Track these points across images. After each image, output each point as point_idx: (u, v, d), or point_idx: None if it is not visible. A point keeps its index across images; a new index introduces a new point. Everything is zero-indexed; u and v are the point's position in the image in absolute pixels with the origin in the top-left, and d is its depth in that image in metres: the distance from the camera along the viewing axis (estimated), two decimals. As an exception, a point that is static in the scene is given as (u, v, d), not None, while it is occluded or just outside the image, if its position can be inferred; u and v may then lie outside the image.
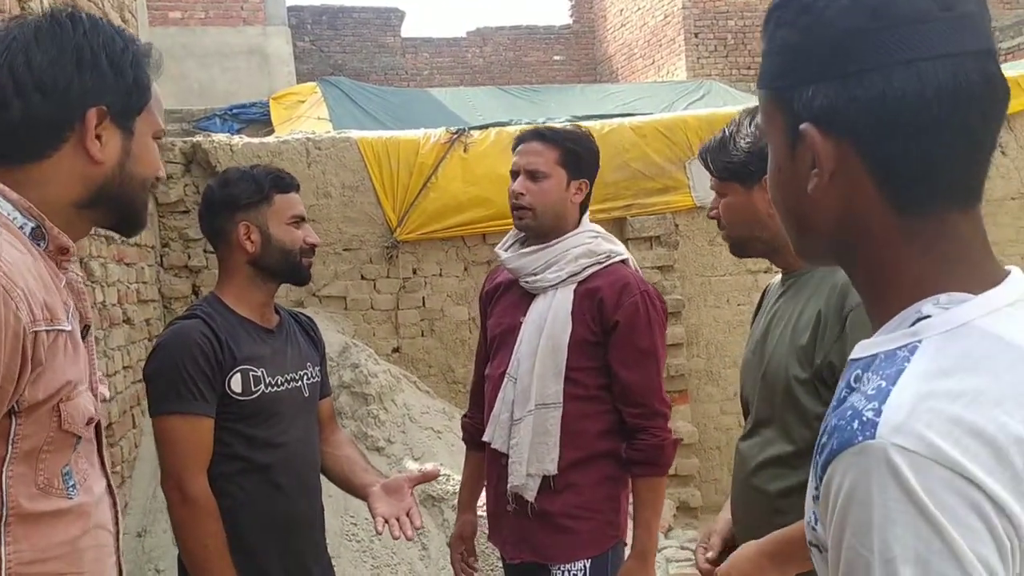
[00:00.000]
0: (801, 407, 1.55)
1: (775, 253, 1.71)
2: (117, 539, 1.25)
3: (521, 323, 2.21)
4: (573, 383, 2.13)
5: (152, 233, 4.76)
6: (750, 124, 1.63)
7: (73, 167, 1.17)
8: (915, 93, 0.69)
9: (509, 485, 2.16)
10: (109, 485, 1.26)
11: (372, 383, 4.46)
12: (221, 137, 5.22)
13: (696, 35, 11.32)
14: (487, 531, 2.37)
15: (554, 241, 2.19)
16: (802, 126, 0.73)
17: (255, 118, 8.21)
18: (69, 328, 1.12)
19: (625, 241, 5.38)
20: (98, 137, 1.18)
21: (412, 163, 5.19)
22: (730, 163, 1.67)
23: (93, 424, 1.17)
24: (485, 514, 2.37)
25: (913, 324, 0.70)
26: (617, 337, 2.12)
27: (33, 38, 1.16)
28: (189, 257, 4.95)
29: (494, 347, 2.31)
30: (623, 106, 8.29)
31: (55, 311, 1.09)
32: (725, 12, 11.34)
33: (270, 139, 5.42)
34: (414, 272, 5.29)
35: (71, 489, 1.14)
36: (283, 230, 2.03)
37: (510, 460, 2.16)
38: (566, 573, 2.15)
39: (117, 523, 1.26)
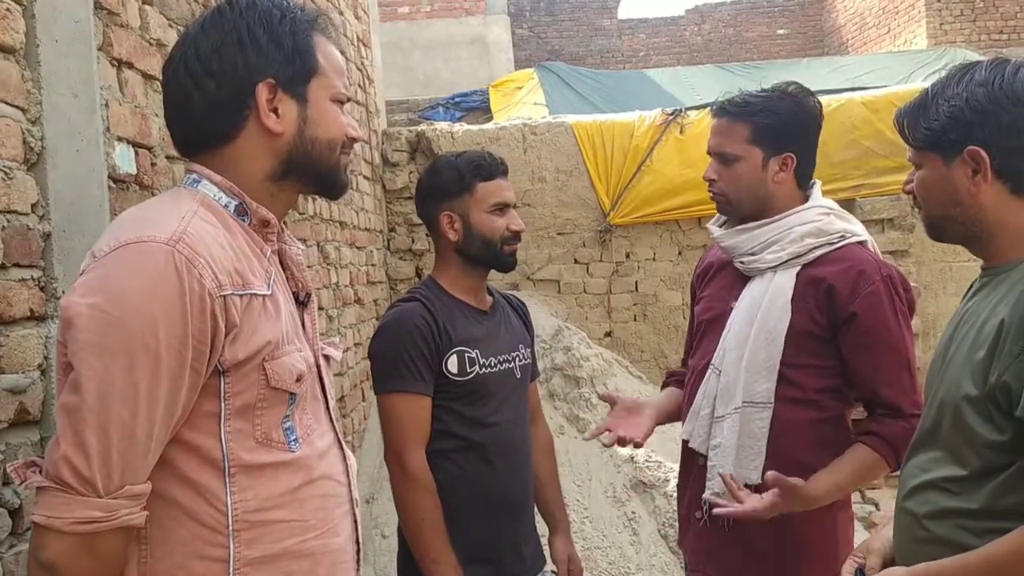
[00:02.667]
0: (969, 430, 1.31)
1: (974, 240, 1.43)
2: (350, 489, 1.32)
3: (732, 309, 1.96)
4: (787, 382, 1.87)
5: (380, 218, 5.05)
6: (958, 84, 1.37)
7: (258, 143, 1.23)
8: None
9: (707, 492, 1.92)
10: (338, 440, 1.34)
11: (584, 366, 4.49)
12: (443, 125, 5.44)
13: (939, -1, 10.36)
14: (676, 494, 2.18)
15: (776, 216, 1.93)
16: None
17: (475, 106, 8.50)
18: (267, 292, 1.19)
19: (853, 224, 5.05)
20: (275, 110, 1.22)
21: (626, 146, 5.15)
22: (929, 130, 1.40)
23: (304, 381, 1.23)
24: (677, 510, 2.19)
25: None
26: (855, 333, 1.83)
27: (200, 29, 1.24)
28: (413, 241, 5.21)
29: (700, 334, 2.08)
30: (853, 80, 7.76)
31: (246, 277, 1.16)
32: (974, -29, 10.29)
33: (488, 126, 5.58)
34: (627, 256, 5.26)
35: (293, 443, 1.22)
36: (484, 219, 2.05)
37: (710, 463, 1.93)
38: None
39: (348, 475, 1.33)
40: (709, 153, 2.01)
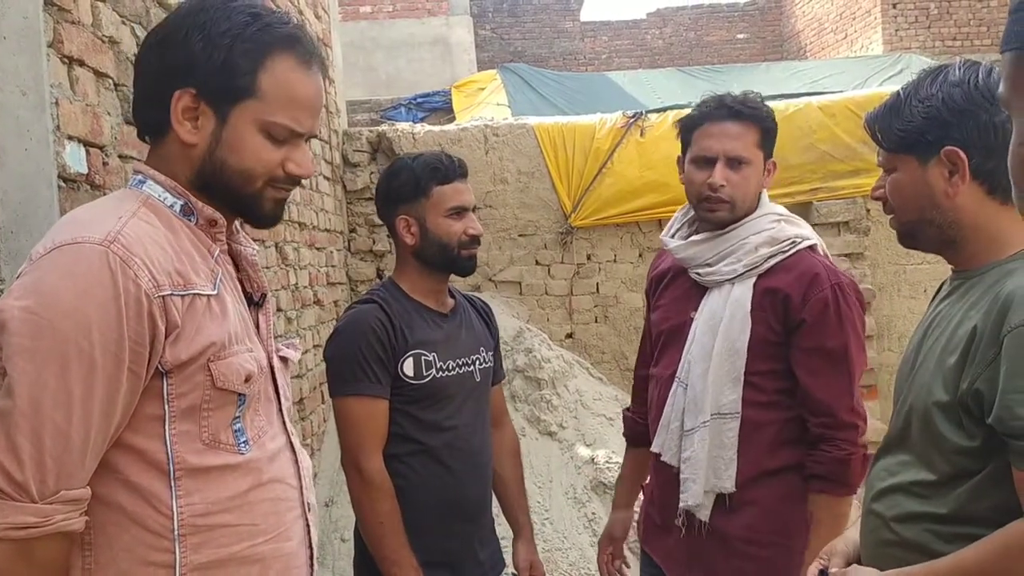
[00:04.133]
0: (939, 436, 1.30)
1: (949, 245, 1.40)
2: (302, 493, 1.31)
3: (692, 319, 1.95)
4: (752, 388, 1.88)
5: (340, 219, 5.01)
6: (932, 85, 1.36)
7: (178, 147, 1.21)
8: None
9: (682, 503, 1.93)
10: (290, 442, 1.32)
11: (545, 368, 4.50)
12: (404, 126, 5.42)
13: (895, 5, 10.55)
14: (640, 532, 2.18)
15: (726, 228, 1.92)
16: None
17: (438, 106, 8.48)
18: (212, 292, 1.17)
19: (811, 227, 5.12)
20: (195, 120, 1.19)
21: (588, 148, 5.17)
22: (903, 131, 1.37)
23: (254, 382, 1.21)
24: (639, 515, 2.20)
25: None
26: (802, 337, 1.85)
27: (169, 18, 1.23)
28: (374, 242, 5.18)
29: (661, 343, 2.07)
30: (811, 84, 7.89)
31: (188, 277, 1.14)
32: (929, -21, 10.50)
33: (450, 127, 5.57)
34: (588, 258, 5.28)
35: (243, 445, 1.20)
36: (441, 223, 2.02)
37: (683, 476, 1.93)
38: None
39: (301, 478, 1.31)
40: (706, 157, 1.92)
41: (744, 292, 1.89)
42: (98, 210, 1.17)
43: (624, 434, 2.31)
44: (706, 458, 1.89)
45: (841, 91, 5.86)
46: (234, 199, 1.23)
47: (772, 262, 1.90)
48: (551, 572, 3.56)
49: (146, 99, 1.21)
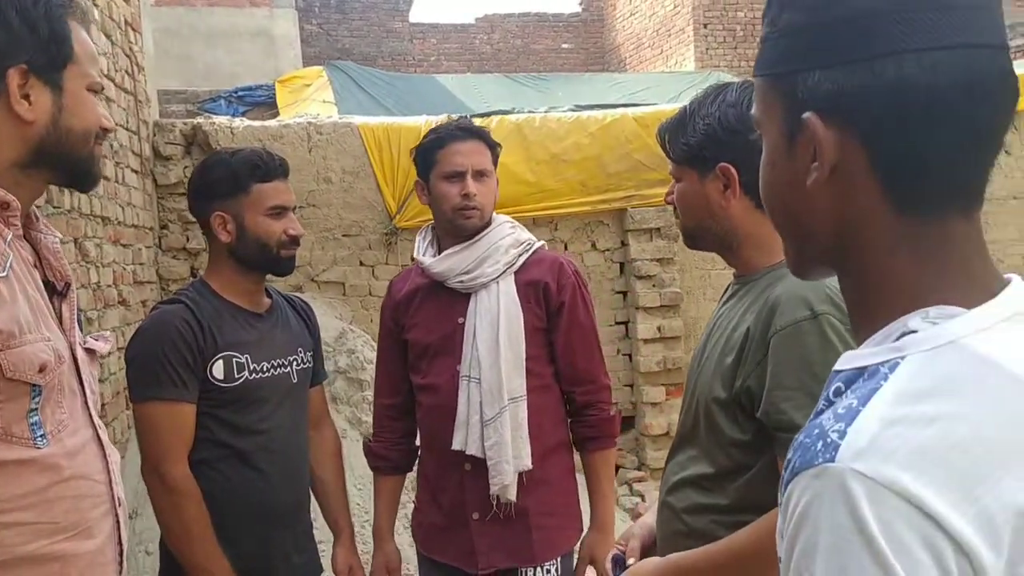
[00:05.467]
0: (719, 431, 1.41)
1: (727, 250, 1.53)
2: (111, 488, 1.26)
3: (461, 324, 2.11)
4: (530, 374, 2.09)
5: (150, 214, 4.75)
6: (712, 104, 1.47)
7: (6, 129, 1.18)
8: (929, 83, 0.65)
9: (493, 488, 2.06)
10: (97, 436, 1.27)
11: (368, 369, 4.46)
12: (222, 119, 5.21)
13: (705, 26, 11.25)
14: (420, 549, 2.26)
15: (476, 237, 2.12)
16: (804, 115, 0.69)
17: (261, 101, 8.21)
18: (1, 274, 1.13)
19: (625, 232, 5.37)
20: (27, 96, 1.18)
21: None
22: (686, 146, 1.48)
23: (49, 372, 1.16)
24: (415, 531, 2.28)
25: (898, 339, 0.66)
26: (563, 319, 2.12)
27: None
28: (188, 239, 4.95)
29: (425, 357, 2.17)
30: (630, 96, 8.26)
31: None
32: (734, 3, 11.27)
33: (271, 122, 5.41)
34: (412, 259, 5.26)
35: (40, 439, 1.14)
36: (259, 222, 1.97)
37: (491, 461, 2.06)
38: (538, 574, 2.10)
39: (110, 473, 1.27)
40: (459, 172, 2.11)
41: (510, 286, 2.11)
42: None
43: (372, 466, 2.33)
44: (510, 441, 2.05)
45: (656, 104, 6.18)
46: (73, 163, 1.24)
47: (522, 259, 2.15)
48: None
49: None
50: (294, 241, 2.03)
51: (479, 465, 2.08)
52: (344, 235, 5.17)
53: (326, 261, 5.14)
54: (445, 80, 9.27)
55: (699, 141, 1.47)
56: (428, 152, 2.15)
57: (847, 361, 0.68)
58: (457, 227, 2.13)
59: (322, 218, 5.11)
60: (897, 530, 0.57)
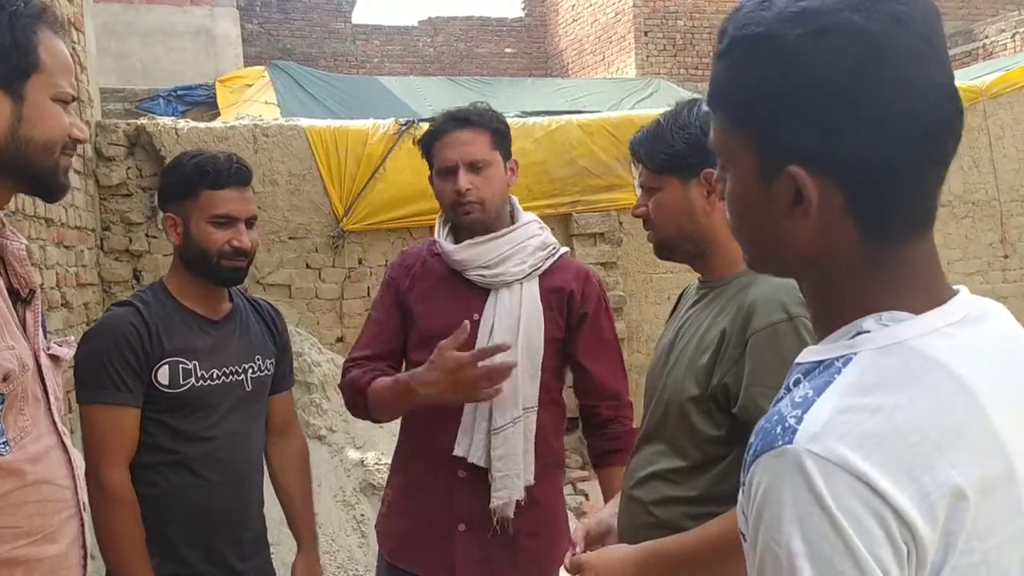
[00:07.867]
0: (692, 427, 1.47)
1: (700, 257, 1.59)
2: (76, 493, 1.27)
3: (476, 321, 1.94)
4: (541, 386, 1.97)
5: (92, 216, 4.68)
6: (690, 115, 1.54)
7: None
8: (903, 136, 0.71)
9: (496, 501, 1.92)
10: (62, 442, 1.27)
11: (315, 372, 4.47)
12: (166, 120, 5.15)
13: (646, 33, 11.45)
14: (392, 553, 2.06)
15: (505, 231, 1.99)
16: (790, 168, 0.73)
17: (200, 100, 8.10)
18: None
19: (570, 237, 5.47)
20: None
21: (360, 153, 5.18)
22: (667, 155, 1.55)
23: (13, 381, 1.17)
24: (383, 537, 2.11)
25: (852, 337, 0.74)
26: (585, 330, 2.01)
27: None
28: (131, 241, 4.88)
29: (430, 346, 1.87)
30: (572, 101, 8.38)
31: None
32: (675, 12, 11.49)
33: (217, 124, 5.36)
34: (360, 262, 5.29)
35: (2, 446, 1.15)
36: (203, 229, 1.92)
37: (499, 474, 1.91)
38: None
39: (75, 478, 1.27)
40: (448, 167, 1.99)
41: (533, 290, 1.98)
42: None
43: (344, 384, 2.06)
44: (521, 453, 1.93)
45: (599, 111, 6.31)
46: (34, 175, 1.23)
47: (549, 263, 2.03)
48: (320, 576, 3.54)
49: None
50: (239, 253, 1.94)
51: (476, 474, 1.95)
52: (290, 238, 5.17)
53: (272, 263, 5.12)
54: (388, 82, 9.26)
55: (683, 149, 1.53)
56: (425, 148, 2.06)
57: (806, 355, 0.77)
58: (458, 224, 2.02)
59: (268, 221, 5.09)
60: (848, 502, 0.66)
